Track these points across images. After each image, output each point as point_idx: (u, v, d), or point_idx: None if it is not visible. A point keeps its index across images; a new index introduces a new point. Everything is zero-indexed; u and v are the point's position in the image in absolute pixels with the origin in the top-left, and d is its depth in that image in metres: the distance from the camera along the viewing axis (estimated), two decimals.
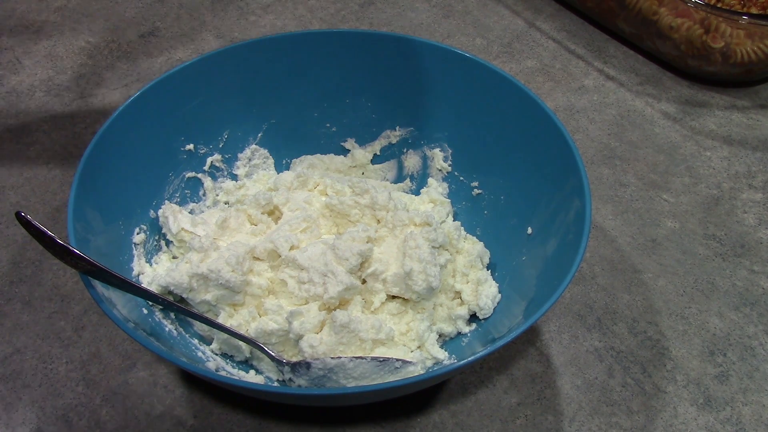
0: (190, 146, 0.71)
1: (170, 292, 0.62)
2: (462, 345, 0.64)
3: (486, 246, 0.69)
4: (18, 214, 0.51)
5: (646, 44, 0.96)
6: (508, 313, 0.63)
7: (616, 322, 0.68)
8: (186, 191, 0.71)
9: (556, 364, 0.65)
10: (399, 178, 0.78)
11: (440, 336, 0.64)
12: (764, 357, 0.66)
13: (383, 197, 0.66)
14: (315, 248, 0.62)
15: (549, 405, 0.62)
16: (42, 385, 0.62)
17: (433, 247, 0.63)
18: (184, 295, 0.62)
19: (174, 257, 0.67)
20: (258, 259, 0.63)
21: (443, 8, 1.04)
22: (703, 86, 0.94)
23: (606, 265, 0.73)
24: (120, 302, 0.55)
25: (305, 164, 0.76)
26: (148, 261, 0.65)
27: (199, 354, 0.61)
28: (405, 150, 0.77)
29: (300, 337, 0.59)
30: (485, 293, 0.64)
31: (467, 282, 0.66)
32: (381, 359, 0.57)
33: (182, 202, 0.71)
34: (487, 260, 0.68)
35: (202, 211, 0.71)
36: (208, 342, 0.63)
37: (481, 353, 0.50)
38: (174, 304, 0.59)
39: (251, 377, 0.61)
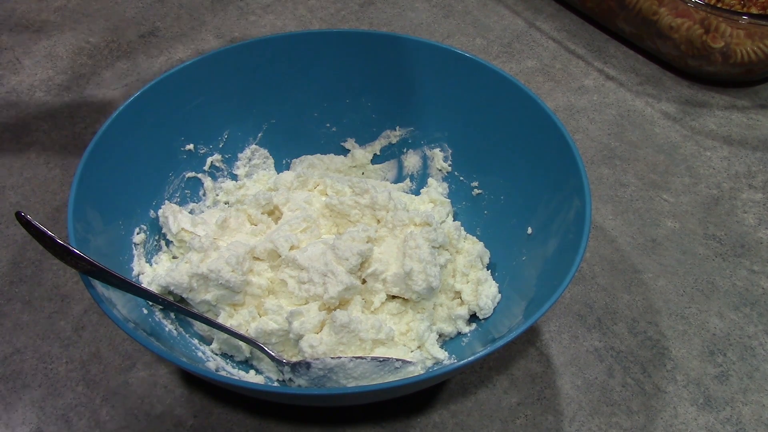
0: (190, 146, 0.71)
1: (170, 292, 0.62)
2: (462, 345, 0.64)
3: (486, 246, 0.69)
4: (18, 214, 0.51)
5: (646, 44, 0.96)
6: (508, 313, 0.63)
7: (616, 322, 0.68)
8: (186, 191, 0.71)
9: (556, 364, 0.65)
10: (399, 178, 0.78)
11: (440, 336, 0.64)
12: (764, 357, 0.66)
13: (383, 197, 0.66)
14: (315, 248, 0.62)
15: (549, 405, 0.62)
16: (42, 385, 0.62)
17: (433, 247, 0.63)
18: (184, 295, 0.62)
19: (174, 257, 0.67)
20: (258, 259, 0.63)
21: (443, 8, 1.04)
22: (703, 86, 0.94)
23: (606, 265, 0.73)
24: (120, 302, 0.55)
25: (305, 164, 0.76)
26: (148, 261, 0.65)
27: (199, 354, 0.61)
28: (405, 150, 0.77)
29: (300, 337, 0.59)
30: (485, 293, 0.64)
31: (467, 282, 0.66)
32: (381, 359, 0.57)
33: (182, 202, 0.71)
34: (487, 260, 0.68)
35: (202, 211, 0.71)
36: (208, 342, 0.63)
37: (481, 353, 0.50)
38: (174, 304, 0.59)
39: (251, 377, 0.61)
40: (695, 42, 0.88)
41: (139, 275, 0.64)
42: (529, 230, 0.66)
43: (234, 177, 0.75)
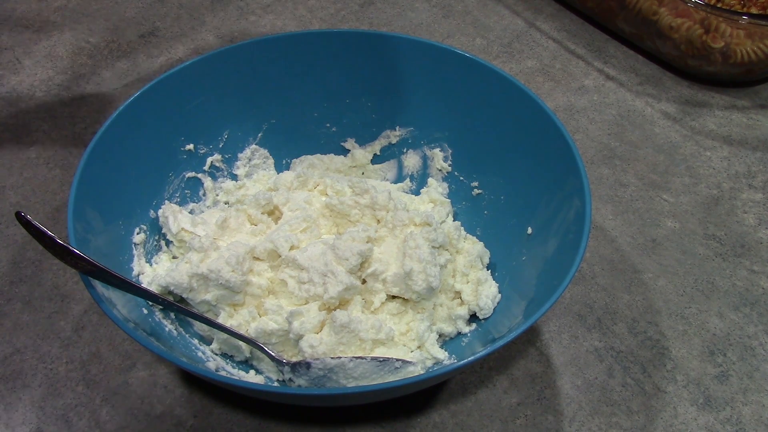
0: (190, 146, 0.71)
1: (170, 292, 0.62)
2: (462, 345, 0.64)
3: (486, 246, 0.69)
4: (18, 214, 0.51)
5: (646, 44, 0.96)
6: (508, 313, 0.63)
7: (616, 322, 0.68)
8: (186, 191, 0.71)
9: (556, 364, 0.65)
10: (399, 178, 0.78)
11: (440, 336, 0.64)
12: (764, 357, 0.66)
13: (383, 197, 0.66)
14: (315, 248, 0.62)
15: (549, 405, 0.62)
16: (42, 385, 0.62)
17: (433, 247, 0.63)
18: (184, 295, 0.62)
19: (174, 257, 0.67)
20: (258, 259, 0.63)
21: (443, 8, 1.04)
22: (703, 86, 0.94)
23: (606, 265, 0.73)
24: (120, 302, 0.55)
25: (305, 164, 0.76)
26: (148, 261, 0.65)
27: (199, 354, 0.61)
28: (405, 150, 0.77)
29: (300, 337, 0.59)
30: (485, 293, 0.64)
31: (467, 282, 0.66)
32: (381, 359, 0.57)
33: (182, 202, 0.71)
34: (487, 260, 0.68)
35: (202, 211, 0.71)
36: (208, 342, 0.63)
37: (481, 353, 0.50)
38: (174, 304, 0.59)
39: (251, 377, 0.61)
40: (695, 42, 0.88)
41: (139, 275, 0.64)
42: (529, 230, 0.66)
43: (234, 177, 0.75)
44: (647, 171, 0.83)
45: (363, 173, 0.77)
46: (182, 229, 0.66)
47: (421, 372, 0.59)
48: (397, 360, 0.57)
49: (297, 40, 0.72)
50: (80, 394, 0.62)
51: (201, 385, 0.63)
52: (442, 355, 0.62)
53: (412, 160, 0.77)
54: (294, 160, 0.77)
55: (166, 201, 0.69)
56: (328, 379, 0.56)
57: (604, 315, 0.69)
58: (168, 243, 0.68)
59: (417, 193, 0.76)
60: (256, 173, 0.76)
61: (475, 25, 1.01)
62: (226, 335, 0.60)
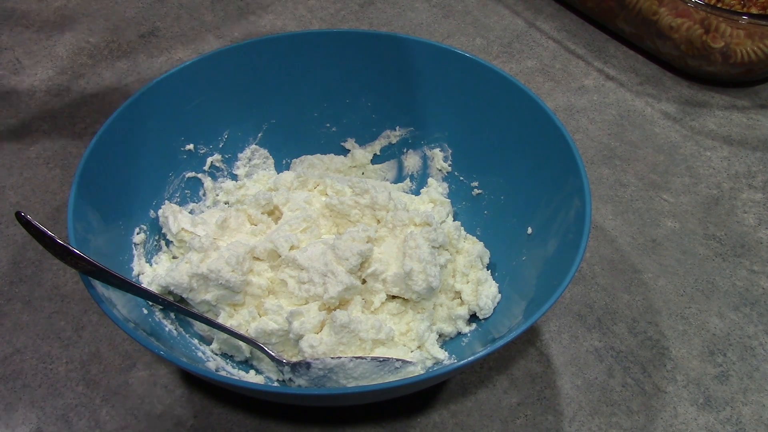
0: (190, 146, 0.71)
1: (170, 292, 0.62)
2: (462, 345, 0.64)
3: (486, 246, 0.69)
4: (18, 214, 0.51)
5: (646, 44, 0.96)
6: (508, 313, 0.63)
7: (616, 322, 0.68)
8: (186, 191, 0.71)
9: (556, 364, 0.65)
10: (399, 178, 0.78)
11: (440, 336, 0.64)
12: (764, 357, 0.66)
13: (383, 197, 0.66)
14: (315, 248, 0.62)
15: (549, 405, 0.62)
16: (42, 385, 0.62)
17: (433, 247, 0.63)
18: (184, 295, 0.62)
19: (174, 257, 0.67)
20: (258, 259, 0.63)
21: (443, 8, 1.04)
22: (703, 86, 0.94)
23: (606, 265, 0.73)
24: (120, 302, 0.55)
25: (305, 164, 0.76)
26: (148, 261, 0.65)
27: (199, 354, 0.61)
28: (405, 150, 0.77)
29: (300, 337, 0.59)
30: (485, 293, 0.64)
31: (467, 282, 0.66)
32: (381, 359, 0.57)
33: (182, 202, 0.71)
34: (487, 260, 0.68)
35: (202, 211, 0.71)
36: (208, 342, 0.63)
37: (481, 353, 0.50)
38: (174, 304, 0.59)
39: (251, 377, 0.61)
40: (695, 42, 0.88)
41: (139, 275, 0.64)
42: (529, 230, 0.66)
43: (234, 177, 0.75)
44: (647, 171, 0.83)
45: (363, 173, 0.77)
46: (182, 229, 0.66)
47: (421, 372, 0.59)
48: (397, 360, 0.57)
49: (297, 40, 0.72)
50: (80, 394, 0.62)
51: (201, 385, 0.63)
52: (442, 355, 0.62)
53: (412, 160, 0.77)
54: (294, 160, 0.77)
55: (166, 201, 0.69)
56: (328, 379, 0.56)
57: (604, 315, 0.69)
58: (168, 243, 0.68)
59: (417, 193, 0.76)
60: (256, 173, 0.76)
61: (475, 25, 1.01)
62: (226, 335, 0.60)
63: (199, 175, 0.72)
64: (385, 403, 0.62)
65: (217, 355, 0.62)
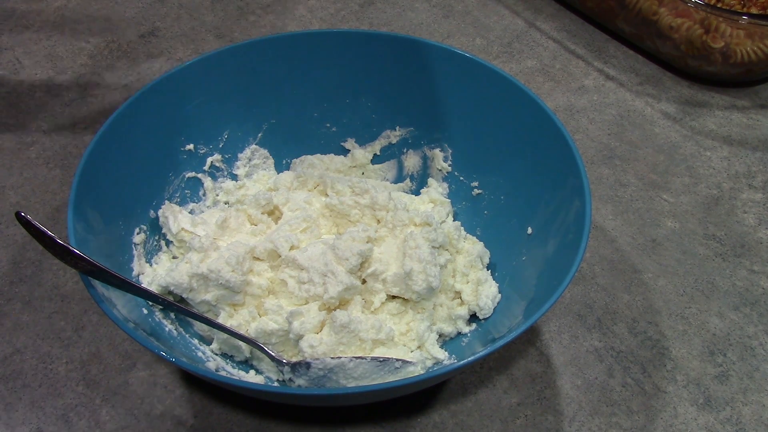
0: (190, 146, 0.71)
1: (170, 292, 0.62)
2: (462, 345, 0.64)
3: (486, 246, 0.69)
4: (18, 214, 0.51)
5: (646, 44, 0.96)
6: (508, 313, 0.63)
7: (616, 322, 0.68)
8: (186, 191, 0.71)
9: (556, 364, 0.65)
10: (399, 178, 0.78)
11: (440, 336, 0.64)
12: (764, 357, 0.66)
13: (383, 197, 0.66)
14: (315, 248, 0.62)
15: (549, 405, 0.62)
16: (42, 385, 0.62)
17: (433, 247, 0.63)
18: (184, 295, 0.62)
19: (174, 257, 0.67)
20: (258, 259, 0.63)
21: (443, 8, 1.04)
22: (703, 86, 0.94)
23: (606, 265, 0.73)
24: (120, 302, 0.55)
25: (305, 164, 0.76)
26: (148, 261, 0.65)
27: (199, 354, 0.61)
28: (405, 150, 0.77)
29: (300, 337, 0.59)
30: (485, 293, 0.64)
31: (467, 282, 0.66)
32: (381, 359, 0.57)
33: (182, 202, 0.71)
34: (487, 260, 0.68)
35: (202, 211, 0.71)
36: (208, 342, 0.63)
37: (481, 353, 0.50)
38: (174, 304, 0.59)
39: (251, 377, 0.61)
40: (695, 42, 0.88)
41: (139, 275, 0.64)
42: (529, 230, 0.66)
43: (234, 177, 0.75)
44: (647, 171, 0.83)
45: (363, 173, 0.77)
46: (182, 229, 0.66)
47: (421, 372, 0.59)
48: (397, 360, 0.57)
49: (297, 40, 0.72)
50: (80, 394, 0.62)
51: (201, 385, 0.63)
52: (442, 355, 0.62)
53: (412, 160, 0.77)
54: (294, 160, 0.77)
55: (166, 201, 0.69)
56: (328, 379, 0.56)
57: (604, 315, 0.69)
58: (168, 243, 0.68)
59: (417, 193, 0.76)
60: (256, 173, 0.76)
61: (475, 25, 1.01)
62: (226, 335, 0.60)
63: (199, 175, 0.72)
64: (385, 403, 0.62)
65: (217, 355, 0.62)
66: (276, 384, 0.60)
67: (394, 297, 0.63)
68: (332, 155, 0.77)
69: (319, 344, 0.58)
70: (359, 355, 0.58)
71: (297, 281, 0.61)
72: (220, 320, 0.61)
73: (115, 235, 0.63)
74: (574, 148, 0.62)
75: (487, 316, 0.64)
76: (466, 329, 0.65)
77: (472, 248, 0.68)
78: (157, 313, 0.61)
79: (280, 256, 0.63)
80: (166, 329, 0.60)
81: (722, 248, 0.75)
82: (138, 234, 0.65)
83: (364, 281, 0.63)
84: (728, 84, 0.93)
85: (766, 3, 0.88)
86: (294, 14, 1.02)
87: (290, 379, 0.58)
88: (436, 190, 0.74)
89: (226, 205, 0.73)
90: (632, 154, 0.84)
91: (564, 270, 0.55)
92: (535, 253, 0.64)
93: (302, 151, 0.77)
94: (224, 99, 0.72)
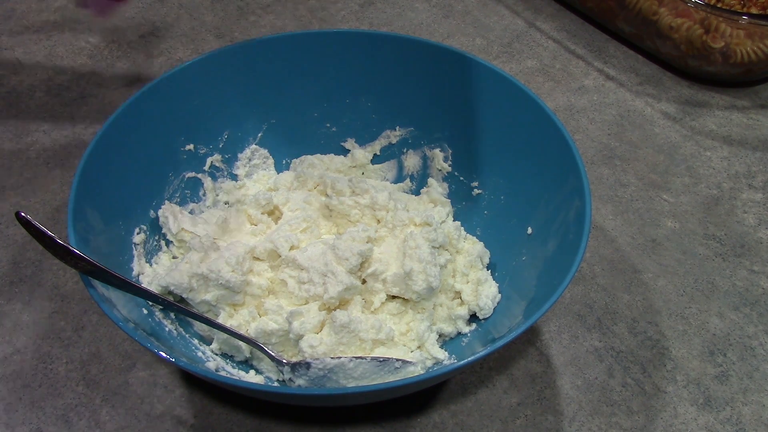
0: (190, 146, 0.71)
1: (170, 292, 0.62)
2: (462, 345, 0.64)
3: (486, 246, 0.69)
4: (18, 214, 0.51)
5: (646, 44, 0.96)
6: (508, 313, 0.63)
7: (616, 322, 0.68)
8: (186, 191, 0.71)
9: (556, 364, 0.65)
10: (399, 178, 0.78)
11: (440, 336, 0.64)
12: (764, 357, 0.66)
13: (383, 197, 0.66)
14: (315, 248, 0.62)
15: (549, 405, 0.62)
16: (42, 385, 0.62)
17: (433, 247, 0.63)
18: (184, 295, 0.62)
19: (174, 257, 0.67)
20: (258, 259, 0.63)
21: (443, 8, 1.04)
22: (703, 86, 0.94)
23: (606, 265, 0.73)
24: (120, 302, 0.55)
25: (305, 164, 0.76)
26: (148, 261, 0.65)
27: (199, 354, 0.61)
28: (405, 150, 0.77)
29: (300, 337, 0.59)
30: (485, 293, 0.64)
31: (467, 282, 0.66)
32: (381, 359, 0.57)
33: (182, 202, 0.71)
34: (487, 260, 0.68)
35: (202, 211, 0.71)
36: (208, 342, 0.63)
37: (481, 353, 0.50)
38: (174, 304, 0.59)
39: (251, 377, 0.61)
40: (695, 42, 0.88)
41: (139, 275, 0.64)
42: (529, 230, 0.66)
43: (234, 177, 0.75)
44: (647, 171, 0.83)
45: (363, 173, 0.77)
46: (182, 229, 0.66)
47: (421, 372, 0.59)
48: (397, 360, 0.57)
49: (297, 40, 0.72)
50: (80, 394, 0.62)
51: (201, 385, 0.63)
52: (442, 355, 0.62)
53: (412, 160, 0.77)
54: (294, 160, 0.77)
55: (166, 201, 0.69)
56: (328, 379, 0.56)
57: (604, 315, 0.69)
58: (168, 243, 0.68)
59: (417, 193, 0.76)
60: (256, 173, 0.76)
61: (475, 25, 1.01)
62: (226, 335, 0.60)
63: (199, 175, 0.72)
64: (385, 403, 0.62)
65: (217, 355, 0.62)
66: (276, 384, 0.60)
67: (394, 297, 0.63)
68: (332, 155, 0.77)
69: (319, 344, 0.58)
70: (359, 355, 0.58)
71: (297, 281, 0.61)
72: (220, 320, 0.61)
73: (115, 235, 0.63)
74: (574, 148, 0.62)
75: (487, 316, 0.64)
76: (466, 329, 0.65)
77: (472, 248, 0.68)
78: (157, 313, 0.61)
79: (280, 256, 0.63)
80: (166, 329, 0.60)
81: (722, 248, 0.75)
82: (138, 234, 0.65)
83: (364, 281, 0.63)
84: (728, 84, 0.93)
85: (766, 3, 0.88)
86: (294, 14, 1.02)
87: (290, 379, 0.58)
88: (436, 190, 0.74)
89: (226, 205, 0.73)
90: (632, 154, 0.85)
91: (564, 270, 0.55)
92: (535, 253, 0.64)
93: (302, 151, 0.77)
94: (224, 99, 0.72)
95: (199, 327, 0.63)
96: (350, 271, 0.61)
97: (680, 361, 0.66)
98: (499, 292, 0.65)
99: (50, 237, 0.52)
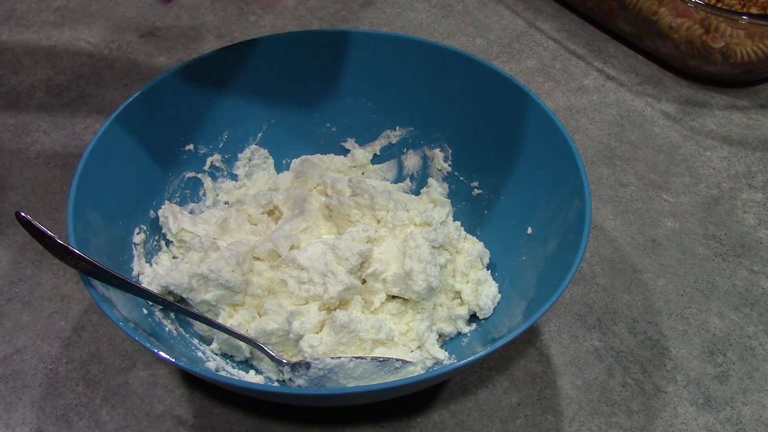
0: (190, 146, 0.71)
1: (170, 292, 0.62)
2: (462, 345, 0.64)
3: (486, 246, 0.69)
4: (18, 214, 0.51)
5: (646, 44, 0.96)
6: (508, 313, 0.63)
7: (616, 322, 0.68)
8: (186, 191, 0.71)
9: (556, 364, 0.65)
10: (399, 178, 0.78)
11: (440, 336, 0.64)
12: (764, 357, 0.66)
13: (383, 197, 0.66)
14: (315, 248, 0.62)
15: (549, 405, 0.62)
16: (42, 385, 0.62)
17: (433, 247, 0.63)
18: (184, 295, 0.62)
19: (174, 257, 0.67)
20: (258, 259, 0.63)
21: (443, 8, 1.04)
22: (703, 86, 0.94)
23: (606, 265, 0.73)
24: (120, 302, 0.55)
25: (305, 164, 0.76)
26: (148, 261, 0.65)
27: (199, 354, 0.61)
28: (405, 150, 0.77)
29: (300, 337, 0.59)
30: (485, 293, 0.64)
31: (467, 282, 0.66)
32: (381, 359, 0.57)
33: (182, 202, 0.71)
34: (487, 260, 0.68)
35: (202, 211, 0.71)
36: (208, 342, 0.63)
37: (481, 353, 0.50)
38: (174, 304, 0.59)
39: (251, 377, 0.61)
40: (695, 42, 0.88)
41: (139, 275, 0.64)
42: (529, 230, 0.66)
43: (234, 177, 0.75)
44: (647, 171, 0.83)
45: (363, 173, 0.77)
46: (182, 229, 0.66)
47: (421, 372, 0.59)
48: (397, 360, 0.57)
49: (297, 40, 0.72)
50: (80, 394, 0.62)
51: (201, 385, 0.63)
52: (442, 355, 0.62)
53: (412, 160, 0.77)
54: (294, 160, 0.77)
55: (166, 201, 0.69)
56: (328, 379, 0.56)
57: (604, 315, 0.69)
58: (168, 243, 0.68)
59: (417, 193, 0.76)
60: (256, 173, 0.76)
61: (475, 25, 1.01)
62: (226, 335, 0.60)
63: (199, 175, 0.72)
64: (385, 403, 0.62)
65: (217, 355, 0.62)
66: (276, 384, 0.60)
67: (394, 297, 0.63)
68: (332, 155, 0.77)
69: (319, 344, 0.58)
70: (359, 355, 0.58)
71: (297, 281, 0.61)
72: (220, 320, 0.61)
73: (115, 235, 0.63)
74: (574, 148, 0.62)
75: (487, 316, 0.64)
76: (466, 329, 0.64)
77: (472, 248, 0.68)
78: (157, 313, 0.61)
79: (280, 256, 0.63)
80: (166, 329, 0.60)
81: (722, 248, 0.75)
82: (138, 234, 0.65)
83: (364, 281, 0.63)
84: (728, 84, 0.93)
85: (766, 3, 0.88)
86: (294, 14, 1.02)
87: (290, 379, 0.58)
88: (436, 190, 0.74)
89: (226, 205, 0.73)
90: (632, 154, 0.85)
91: (564, 270, 0.55)
92: (535, 253, 0.64)
93: (302, 151, 0.77)
94: (224, 99, 0.72)
95: (199, 327, 0.63)
96: (350, 271, 0.61)
97: (680, 361, 0.66)
98: (499, 292, 0.65)
99: (50, 237, 0.52)
